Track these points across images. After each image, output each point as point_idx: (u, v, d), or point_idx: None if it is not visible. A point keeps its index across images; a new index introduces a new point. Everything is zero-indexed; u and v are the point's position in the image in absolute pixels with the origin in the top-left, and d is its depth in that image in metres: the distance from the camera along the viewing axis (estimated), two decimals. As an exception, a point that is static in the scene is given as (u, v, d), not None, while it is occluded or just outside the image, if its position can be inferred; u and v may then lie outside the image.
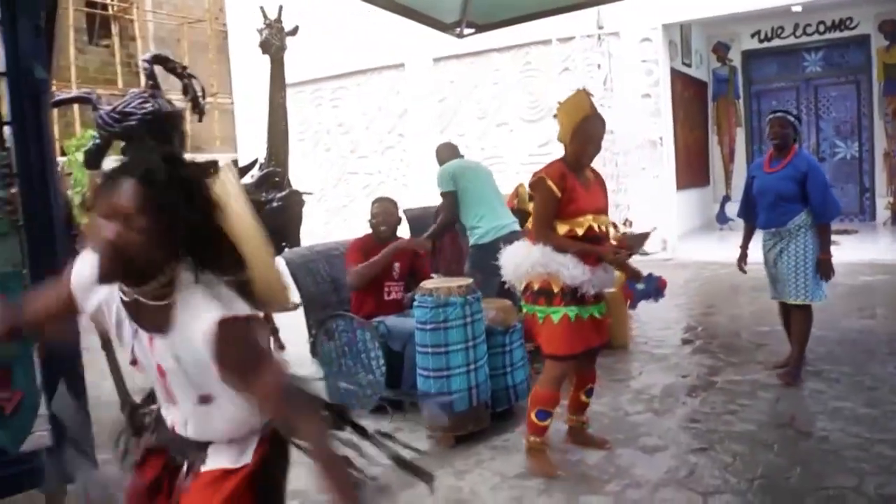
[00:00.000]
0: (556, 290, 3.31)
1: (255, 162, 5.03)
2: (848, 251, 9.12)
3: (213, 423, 1.69)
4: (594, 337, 3.44)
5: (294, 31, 5.40)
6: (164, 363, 1.59)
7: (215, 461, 1.72)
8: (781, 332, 5.21)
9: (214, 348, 1.49)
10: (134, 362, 1.70)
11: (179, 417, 1.73)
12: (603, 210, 3.45)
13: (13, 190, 3.16)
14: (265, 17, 5.33)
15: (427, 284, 3.94)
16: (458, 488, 3.35)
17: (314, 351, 4.63)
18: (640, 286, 3.40)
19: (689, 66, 11.70)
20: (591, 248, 3.31)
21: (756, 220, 4.80)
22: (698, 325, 6.32)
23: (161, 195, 1.44)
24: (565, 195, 3.31)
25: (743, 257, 4.92)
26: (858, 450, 3.44)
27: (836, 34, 11.61)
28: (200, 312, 1.51)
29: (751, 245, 4.94)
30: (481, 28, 6.28)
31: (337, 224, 12.29)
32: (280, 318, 5.98)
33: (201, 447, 1.74)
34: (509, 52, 11.06)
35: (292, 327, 5.51)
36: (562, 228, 3.33)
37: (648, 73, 10.33)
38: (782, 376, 4.58)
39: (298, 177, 6.59)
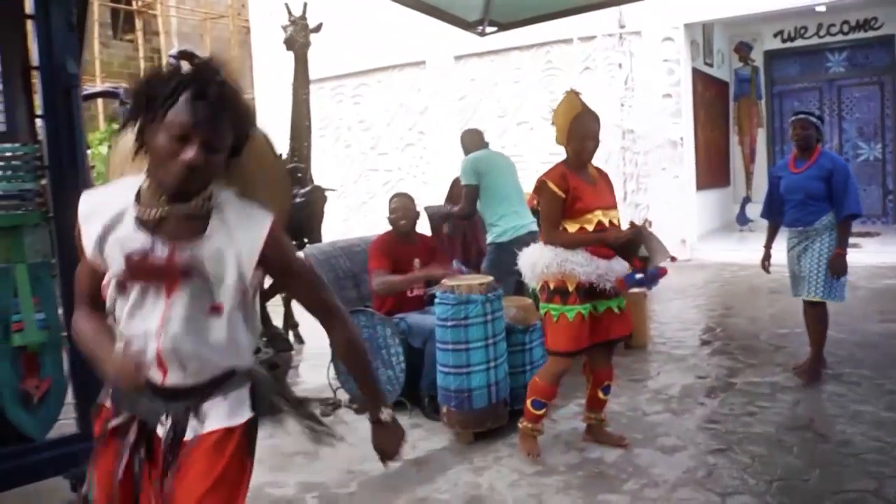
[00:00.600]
0: (570, 288, 3.38)
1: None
2: (870, 254, 9.07)
3: (212, 340, 1.65)
4: (611, 330, 3.51)
5: (318, 28, 5.44)
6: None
7: (215, 421, 1.70)
8: (801, 333, 5.20)
9: (273, 244, 1.65)
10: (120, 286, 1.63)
11: (169, 352, 1.63)
12: (611, 206, 3.53)
13: (43, 182, 3.23)
14: (290, 13, 5.37)
15: (448, 282, 3.96)
16: (476, 484, 3.37)
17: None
18: (639, 276, 3.36)
19: (710, 65, 11.64)
20: (596, 235, 3.39)
21: (781, 219, 4.80)
22: (717, 326, 6.31)
23: (231, 116, 1.56)
24: (569, 195, 3.40)
25: (767, 257, 4.91)
26: (879, 454, 3.43)
27: (861, 34, 11.51)
28: (253, 216, 1.66)
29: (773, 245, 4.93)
30: (503, 27, 6.30)
31: (357, 220, 12.34)
32: (300, 313, 6.05)
33: (193, 399, 1.69)
34: (530, 50, 11.07)
35: (313, 321, 5.56)
36: (572, 227, 3.42)
37: (670, 73, 10.30)
38: (801, 375, 4.58)
39: (319, 173, 6.63)
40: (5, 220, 3.10)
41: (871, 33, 11.43)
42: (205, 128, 1.51)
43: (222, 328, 1.65)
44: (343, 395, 4.58)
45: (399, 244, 4.52)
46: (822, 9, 10.52)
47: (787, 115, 12.16)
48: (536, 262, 3.47)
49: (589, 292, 3.39)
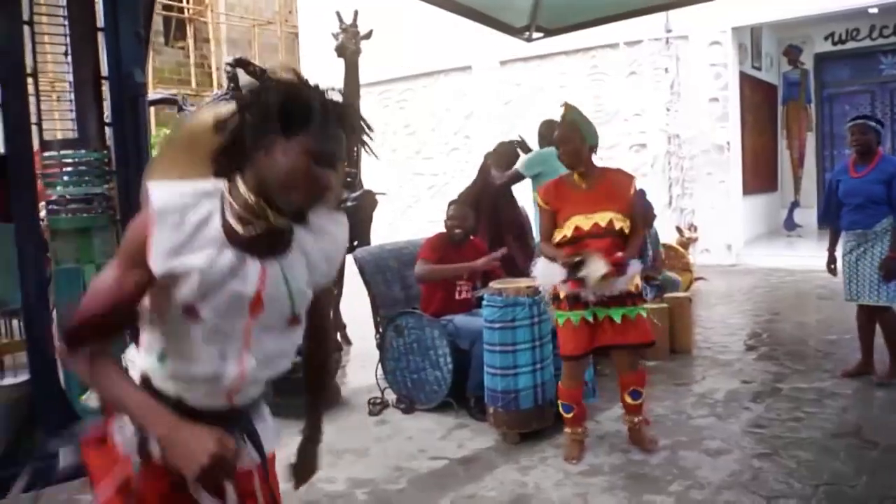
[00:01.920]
0: (561, 296, 3.59)
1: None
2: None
3: (284, 354, 1.61)
4: (617, 336, 3.59)
5: (368, 35, 5.56)
6: (269, 290, 1.50)
7: (271, 443, 1.69)
8: (850, 340, 5.17)
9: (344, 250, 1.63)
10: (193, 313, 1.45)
11: (253, 373, 1.54)
12: (598, 209, 3.55)
13: (111, 186, 3.40)
14: (341, 21, 5.50)
15: (496, 284, 4.05)
16: (522, 483, 3.44)
17: (381, 346, 4.77)
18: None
19: (758, 69, 11.52)
20: (555, 252, 3.56)
21: (837, 224, 4.80)
22: (763, 331, 6.27)
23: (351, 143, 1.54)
24: (555, 205, 3.63)
25: (832, 261, 4.91)
26: (930, 460, 3.43)
27: (915, 36, 11.30)
28: (334, 225, 1.59)
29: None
30: (550, 32, 6.36)
31: (402, 224, 12.48)
32: (348, 315, 6.19)
33: (243, 421, 1.61)
34: (576, 55, 11.08)
35: (361, 323, 5.69)
36: (557, 235, 3.62)
37: (717, 77, 10.24)
38: (885, 377, 4.59)
39: (366, 177, 6.77)
40: (75, 222, 3.28)
41: (925, 35, 11.22)
42: (342, 155, 1.49)
43: (296, 340, 1.62)
44: (391, 395, 4.69)
45: (451, 245, 4.63)
46: (875, 10, 10.35)
47: (838, 118, 12.00)
48: (536, 272, 3.72)
49: (574, 301, 3.55)
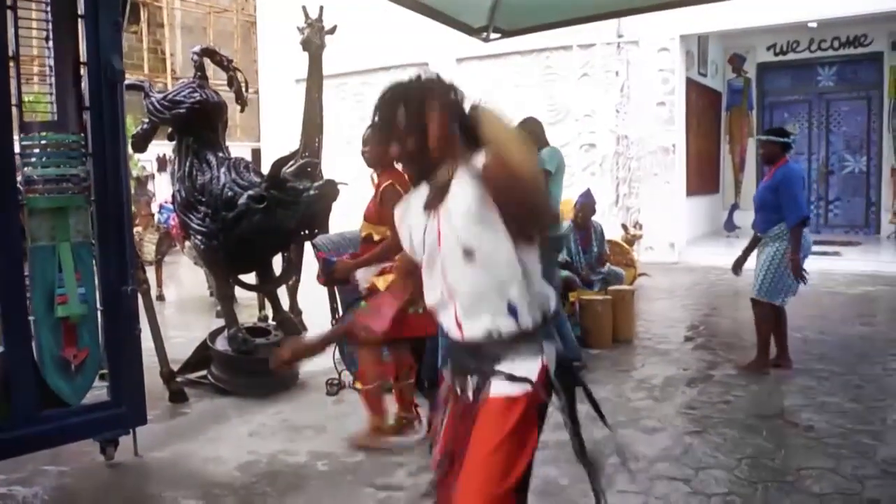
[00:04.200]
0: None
1: (296, 152, 5.36)
2: (850, 262, 9.46)
3: (481, 281, 1.82)
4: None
5: (333, 31, 5.71)
6: (444, 233, 1.85)
7: (499, 388, 1.85)
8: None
9: (489, 175, 1.75)
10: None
11: (458, 305, 1.86)
12: (364, 214, 3.99)
13: (86, 168, 3.52)
14: (307, 16, 5.64)
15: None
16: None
17: (340, 331, 4.97)
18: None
19: (704, 76, 12.01)
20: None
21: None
22: (701, 324, 6.65)
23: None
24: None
25: (737, 262, 5.26)
26: (840, 438, 3.78)
27: (850, 50, 11.92)
28: (473, 168, 1.81)
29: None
30: (507, 34, 6.59)
31: (356, 214, 12.63)
32: (304, 300, 6.35)
33: (486, 359, 1.86)
34: (531, 55, 11.40)
35: (318, 308, 5.87)
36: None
37: (665, 82, 10.66)
38: (745, 366, 5.04)
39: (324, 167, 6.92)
40: (52, 201, 3.40)
41: (860, 50, 11.85)
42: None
43: (483, 269, 1.81)
44: (347, 377, 4.89)
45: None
46: (815, 25, 10.92)
47: (778, 125, 12.56)
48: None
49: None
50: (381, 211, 3.78)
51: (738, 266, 5.26)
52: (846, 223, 12.31)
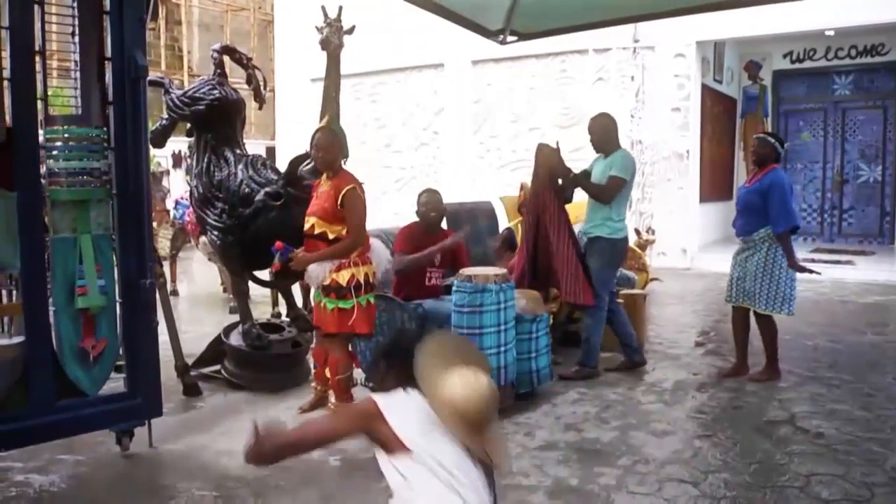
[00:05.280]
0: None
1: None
2: (862, 271, 9.43)
3: None
4: (320, 322, 4.15)
5: (351, 31, 5.75)
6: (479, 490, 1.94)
7: None
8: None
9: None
10: None
11: None
12: (311, 213, 4.12)
13: (108, 162, 3.58)
14: (326, 16, 5.68)
15: (466, 271, 4.32)
16: (484, 454, 3.72)
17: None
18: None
19: (720, 82, 11.99)
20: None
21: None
22: (711, 330, 6.66)
23: None
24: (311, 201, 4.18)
25: None
26: (849, 445, 3.79)
27: (867, 59, 11.86)
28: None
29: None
30: (524, 37, 6.63)
31: (370, 215, 12.69)
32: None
33: None
34: (546, 59, 11.42)
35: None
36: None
37: (680, 88, 10.66)
38: (757, 376, 4.99)
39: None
40: (74, 194, 3.45)
41: (877, 58, 11.80)
42: None
43: None
44: (360, 374, 4.93)
45: (424, 234, 4.89)
46: (831, 33, 10.88)
47: (793, 134, 12.55)
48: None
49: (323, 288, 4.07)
50: (341, 212, 4.02)
51: None
52: (860, 232, 12.26)
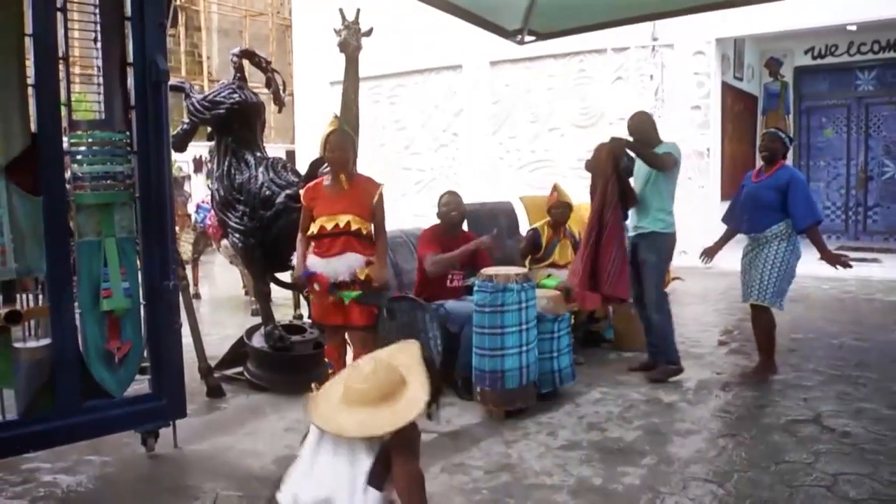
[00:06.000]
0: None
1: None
2: (888, 269, 9.30)
3: None
4: (335, 316, 4.03)
5: (369, 33, 5.76)
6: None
7: None
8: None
9: None
10: None
11: None
12: (340, 211, 3.99)
13: (131, 165, 3.61)
14: (343, 18, 5.70)
15: (487, 271, 4.32)
16: (507, 454, 3.72)
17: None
18: None
19: (740, 79, 11.89)
20: (301, 249, 4.11)
21: (736, 225, 5.22)
22: (735, 328, 6.60)
23: None
24: (311, 204, 4.06)
25: (710, 251, 5.34)
26: (876, 444, 3.74)
27: (891, 54, 11.71)
28: None
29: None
30: (542, 37, 6.62)
31: (389, 217, 12.71)
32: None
33: None
34: (564, 58, 11.40)
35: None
36: (311, 228, 4.05)
37: (700, 86, 10.59)
38: (752, 374, 4.97)
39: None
40: (99, 197, 3.48)
41: (901, 53, 11.64)
42: None
43: None
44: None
45: (446, 236, 4.90)
46: (854, 28, 10.76)
47: (815, 131, 12.42)
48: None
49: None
50: (373, 210, 4.06)
51: (711, 253, 5.31)
52: (885, 229, 12.11)
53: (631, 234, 5.14)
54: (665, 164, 4.95)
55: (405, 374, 2.29)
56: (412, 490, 2.18)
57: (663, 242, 5.06)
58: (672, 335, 5.03)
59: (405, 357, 2.38)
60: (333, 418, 2.20)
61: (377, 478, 2.16)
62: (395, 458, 2.18)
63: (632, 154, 5.07)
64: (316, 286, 3.98)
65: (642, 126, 5.17)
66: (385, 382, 2.23)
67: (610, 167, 4.95)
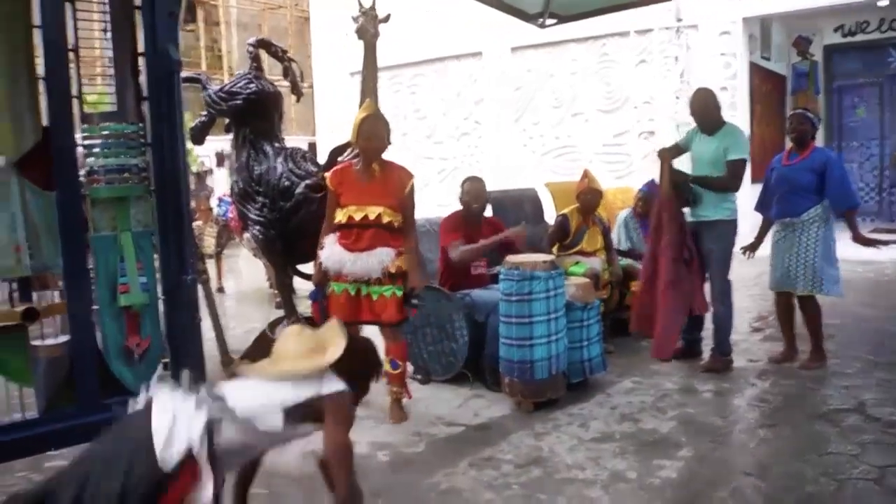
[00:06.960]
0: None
1: (349, 143, 5.34)
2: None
3: None
4: (362, 312, 3.91)
5: (387, 19, 5.66)
6: None
7: None
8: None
9: None
10: None
11: None
12: (370, 202, 3.84)
13: (146, 158, 3.53)
14: (361, 5, 5.61)
15: (513, 258, 4.19)
16: (537, 447, 3.60)
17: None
18: None
19: (768, 59, 11.61)
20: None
21: (770, 212, 4.96)
22: (769, 314, 6.40)
23: None
24: (339, 189, 3.91)
25: (753, 246, 5.21)
26: (925, 433, 3.57)
27: (924, 30, 11.38)
28: None
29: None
30: (564, 19, 6.46)
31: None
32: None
33: None
34: (586, 42, 11.20)
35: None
36: (338, 216, 3.90)
37: (726, 67, 10.34)
38: (807, 364, 4.76)
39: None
40: (114, 191, 3.40)
41: (934, 28, 11.30)
42: None
43: None
44: (408, 367, 4.83)
45: (467, 223, 4.78)
46: (885, 3, 10.43)
47: (847, 111, 12.11)
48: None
49: (339, 274, 3.88)
50: (405, 201, 3.90)
51: (753, 248, 5.22)
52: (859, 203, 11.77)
53: (690, 219, 4.96)
54: (734, 185, 4.85)
55: (328, 339, 2.42)
56: (339, 459, 2.23)
57: (729, 229, 4.92)
58: (730, 326, 4.89)
59: (328, 330, 2.49)
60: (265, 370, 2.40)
61: (293, 415, 2.24)
62: (326, 421, 2.24)
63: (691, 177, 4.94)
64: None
65: (706, 106, 4.91)
66: (311, 340, 2.43)
67: (675, 206, 4.82)
